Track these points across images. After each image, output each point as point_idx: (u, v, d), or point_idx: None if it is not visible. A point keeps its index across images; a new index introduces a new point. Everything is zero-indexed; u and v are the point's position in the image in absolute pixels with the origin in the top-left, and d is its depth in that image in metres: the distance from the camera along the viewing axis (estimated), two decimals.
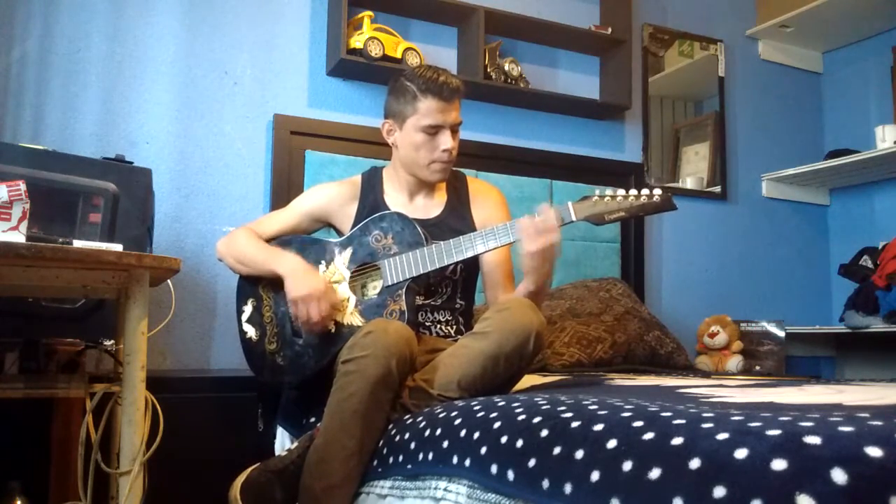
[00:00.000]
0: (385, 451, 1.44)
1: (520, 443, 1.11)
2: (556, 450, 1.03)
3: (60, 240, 1.27)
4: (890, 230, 3.24)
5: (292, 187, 2.45)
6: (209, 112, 2.48)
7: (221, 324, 2.40)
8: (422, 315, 1.83)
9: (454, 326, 1.87)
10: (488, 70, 2.76)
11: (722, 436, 0.85)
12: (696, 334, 2.95)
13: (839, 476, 0.73)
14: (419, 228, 1.75)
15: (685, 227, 3.26)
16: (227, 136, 2.49)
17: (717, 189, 3.34)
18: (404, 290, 1.71)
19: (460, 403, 1.38)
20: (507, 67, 2.81)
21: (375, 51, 2.54)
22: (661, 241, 3.23)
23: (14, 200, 1.21)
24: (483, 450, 1.17)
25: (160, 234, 2.29)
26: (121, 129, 2.35)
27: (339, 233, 1.92)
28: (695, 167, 3.33)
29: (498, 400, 1.30)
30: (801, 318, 3.38)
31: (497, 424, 1.19)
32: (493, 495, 1.12)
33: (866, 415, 0.94)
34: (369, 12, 2.60)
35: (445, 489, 1.24)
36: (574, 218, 1.67)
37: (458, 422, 1.29)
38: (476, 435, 1.21)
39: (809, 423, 0.84)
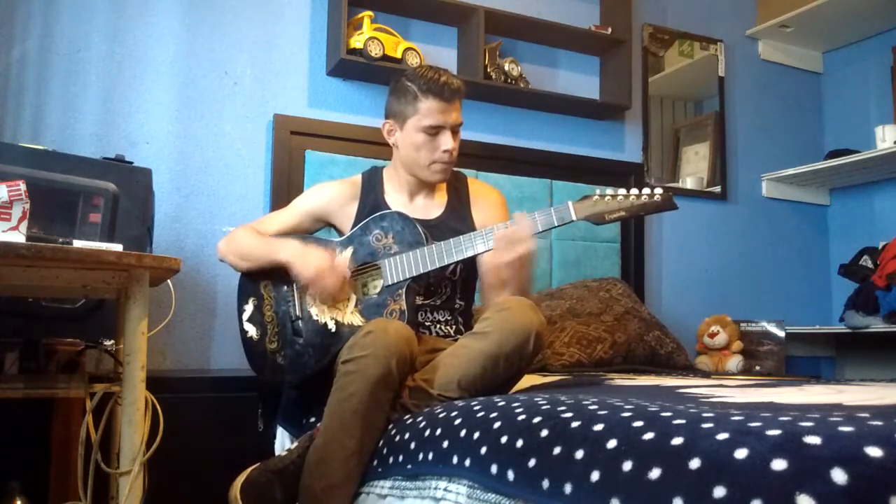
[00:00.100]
0: (385, 451, 1.44)
1: (520, 443, 1.11)
2: (556, 450, 1.03)
3: (60, 240, 1.27)
4: (890, 230, 3.24)
5: (292, 187, 2.45)
6: (209, 112, 2.48)
7: (221, 324, 2.40)
8: (421, 315, 1.83)
9: (454, 326, 1.87)
10: (488, 70, 2.76)
11: (722, 436, 0.85)
12: (696, 334, 2.95)
13: (839, 476, 0.73)
14: (419, 228, 1.75)
15: (685, 227, 3.26)
16: (227, 136, 2.49)
17: (717, 189, 3.34)
18: (404, 289, 1.71)
19: (460, 403, 1.38)
20: (507, 67, 2.81)
21: (375, 51, 2.54)
22: (661, 241, 3.23)
23: (14, 200, 1.21)
24: (483, 450, 1.17)
25: (160, 234, 2.29)
26: (121, 129, 2.35)
27: (340, 232, 1.92)
28: (695, 167, 3.34)
29: (498, 400, 1.30)
30: (801, 318, 3.38)
31: (497, 424, 1.19)
32: (493, 495, 1.12)
33: (866, 415, 0.94)
34: (369, 12, 2.60)
35: (445, 489, 1.24)
36: (574, 217, 1.67)
37: (458, 422, 1.29)
38: (476, 435, 1.21)
39: (809, 423, 0.84)
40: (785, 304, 3.42)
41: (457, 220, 1.89)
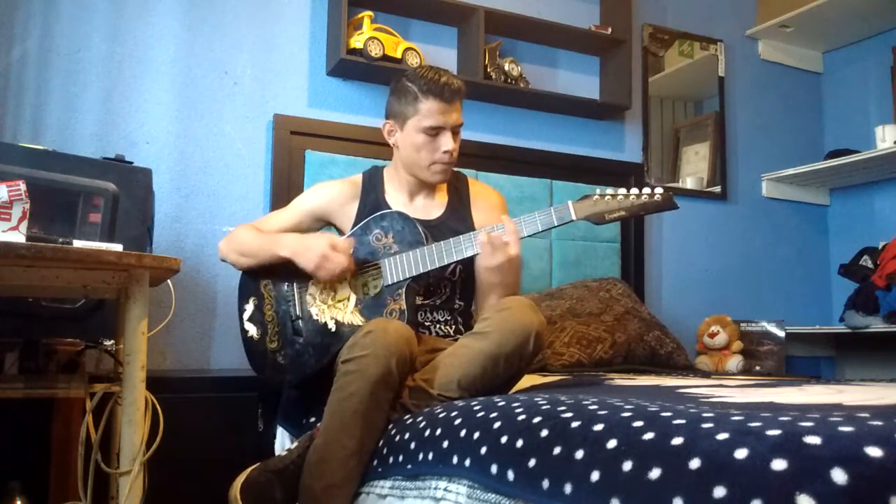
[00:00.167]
0: (385, 450, 1.44)
1: (520, 443, 1.11)
2: (556, 450, 1.03)
3: (60, 240, 1.27)
4: (890, 230, 3.24)
5: (292, 187, 2.45)
6: (209, 112, 2.48)
7: (221, 324, 2.40)
8: (421, 315, 1.83)
9: (453, 326, 1.87)
10: (488, 70, 2.76)
11: (722, 436, 0.85)
12: (696, 334, 2.95)
13: (839, 476, 0.73)
14: (420, 227, 1.75)
15: (685, 227, 3.26)
16: (227, 136, 2.49)
17: (717, 189, 3.34)
18: (404, 289, 1.71)
19: (460, 403, 1.38)
20: (507, 67, 2.81)
21: (375, 51, 2.54)
22: (661, 241, 3.23)
23: (14, 200, 1.21)
24: (483, 450, 1.17)
25: (160, 234, 2.29)
26: (121, 129, 2.35)
27: (340, 232, 1.92)
28: (695, 167, 3.33)
29: (498, 400, 1.30)
30: (801, 318, 3.38)
31: (497, 424, 1.19)
32: (493, 495, 1.12)
33: (866, 415, 0.94)
34: (369, 12, 2.60)
35: (445, 489, 1.24)
36: (574, 217, 1.67)
37: (458, 422, 1.29)
38: (476, 435, 1.21)
39: (809, 423, 0.84)
40: (785, 304, 3.42)
41: (457, 220, 1.89)
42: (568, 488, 0.97)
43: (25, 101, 2.24)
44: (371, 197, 1.91)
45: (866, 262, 3.17)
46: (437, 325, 1.85)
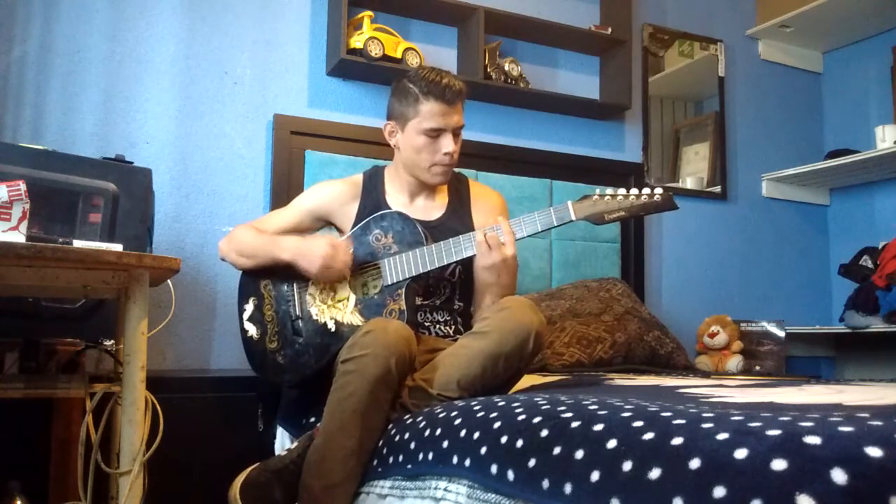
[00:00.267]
0: (385, 450, 1.44)
1: (520, 443, 1.11)
2: (556, 450, 1.03)
3: (60, 240, 1.27)
4: (890, 230, 3.24)
5: (292, 187, 2.45)
6: (209, 112, 2.48)
7: (221, 324, 2.40)
8: (421, 315, 1.83)
9: (453, 327, 1.87)
10: (488, 70, 2.76)
11: (722, 436, 0.85)
12: (696, 334, 2.95)
13: (839, 476, 0.73)
14: (419, 227, 1.75)
15: (685, 227, 3.26)
16: (227, 136, 2.49)
17: (717, 189, 3.34)
18: (404, 289, 1.71)
19: (460, 403, 1.38)
20: (507, 67, 2.81)
21: (375, 51, 2.54)
22: (661, 241, 3.23)
23: (14, 200, 1.21)
24: (483, 450, 1.17)
25: (160, 234, 2.29)
26: (121, 129, 2.35)
27: (340, 232, 1.92)
28: (695, 167, 3.33)
29: (498, 400, 1.30)
30: (801, 318, 3.38)
31: (497, 424, 1.19)
32: (493, 495, 1.12)
33: (866, 415, 0.94)
34: (369, 12, 2.60)
35: (445, 489, 1.24)
36: (573, 217, 1.67)
37: (458, 422, 1.29)
38: (476, 435, 1.21)
39: (809, 423, 0.84)
40: (785, 304, 3.42)
41: (457, 221, 1.89)
42: (568, 488, 0.97)
43: (25, 101, 2.24)
44: (371, 197, 1.91)
45: (866, 262, 3.17)
46: (437, 326, 1.85)
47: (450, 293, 1.87)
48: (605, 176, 3.02)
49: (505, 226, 1.66)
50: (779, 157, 3.49)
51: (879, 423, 0.84)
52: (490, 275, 1.67)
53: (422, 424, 1.38)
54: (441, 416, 1.35)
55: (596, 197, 1.68)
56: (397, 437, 1.42)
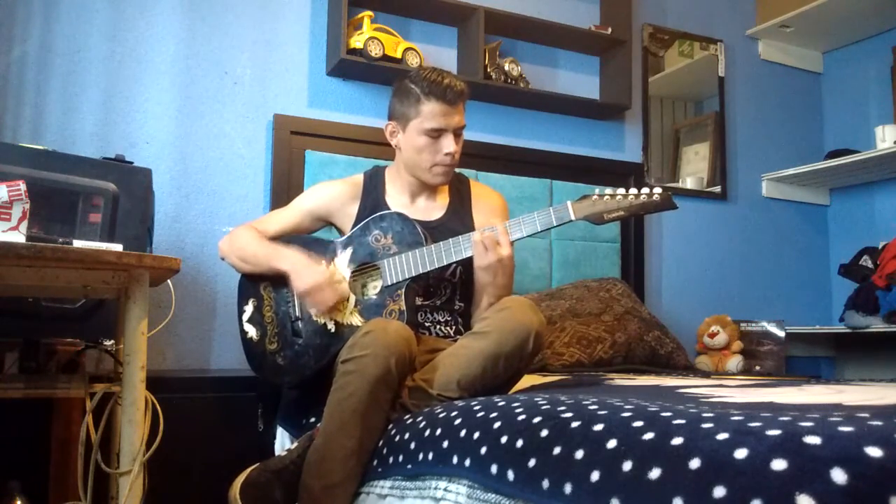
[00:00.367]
0: (385, 450, 1.44)
1: (520, 443, 1.11)
2: (556, 450, 1.03)
3: (60, 240, 1.27)
4: (890, 230, 3.24)
5: (292, 187, 2.45)
6: (209, 112, 2.48)
7: (221, 324, 2.40)
8: (421, 315, 1.83)
9: (453, 327, 1.87)
10: (488, 70, 2.76)
11: (722, 436, 0.85)
12: (696, 334, 2.95)
13: (839, 476, 0.73)
14: (419, 228, 1.75)
15: (685, 227, 3.26)
16: (227, 136, 2.49)
17: (717, 189, 3.34)
18: (404, 290, 1.71)
19: (460, 403, 1.38)
20: (507, 67, 2.81)
21: (375, 51, 2.54)
22: (661, 241, 3.23)
23: (14, 200, 1.21)
24: (483, 450, 1.17)
25: (160, 234, 2.29)
26: (121, 129, 2.35)
27: (340, 232, 1.92)
28: (695, 167, 3.33)
29: (498, 400, 1.30)
30: (801, 318, 3.38)
31: (497, 424, 1.19)
32: (493, 495, 1.12)
33: (866, 415, 0.94)
34: (369, 12, 2.60)
35: (445, 489, 1.24)
36: (573, 217, 1.67)
37: (458, 422, 1.29)
38: (476, 435, 1.21)
39: (809, 423, 0.84)
40: (785, 304, 3.42)
41: (458, 222, 1.89)
42: (568, 488, 0.97)
43: (25, 101, 2.24)
44: (372, 197, 1.91)
45: (866, 262, 3.17)
46: (438, 326, 1.85)
47: (450, 293, 1.87)
48: (605, 176, 3.02)
49: (500, 226, 1.66)
50: (779, 157, 3.49)
51: (879, 423, 0.84)
52: (486, 275, 1.67)
53: (422, 424, 1.38)
54: (441, 416, 1.35)
55: (595, 197, 1.68)
56: (397, 437, 1.42)
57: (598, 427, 1.01)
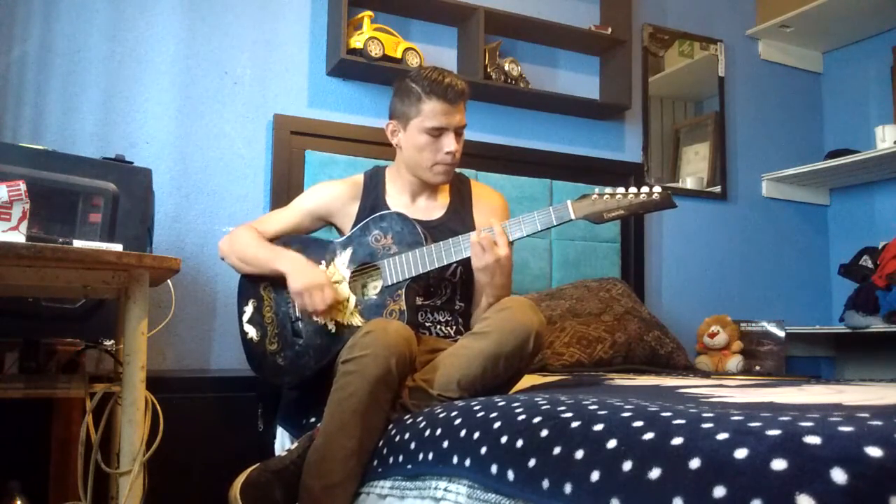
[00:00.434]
0: (385, 450, 1.44)
1: (520, 443, 1.11)
2: (556, 450, 1.03)
3: (60, 240, 1.27)
4: (890, 230, 3.24)
5: (292, 187, 2.45)
6: (209, 112, 2.48)
7: (221, 324, 2.40)
8: (421, 315, 1.83)
9: (454, 327, 1.87)
10: (488, 70, 2.76)
11: (722, 436, 0.85)
12: (696, 334, 2.95)
13: (839, 476, 0.73)
14: (419, 228, 1.75)
15: (685, 227, 3.26)
16: (227, 136, 2.49)
17: (717, 189, 3.34)
18: (404, 290, 1.71)
19: (460, 403, 1.38)
20: (507, 67, 2.81)
21: (375, 51, 2.54)
22: (661, 241, 3.23)
23: (14, 200, 1.21)
24: (483, 450, 1.17)
25: (160, 234, 2.29)
26: (121, 129, 2.35)
27: (340, 232, 1.92)
28: (695, 167, 3.34)
29: (498, 400, 1.30)
30: (801, 318, 3.38)
31: (497, 424, 1.19)
32: (494, 495, 1.12)
33: (866, 415, 0.94)
34: (369, 12, 2.60)
35: (445, 489, 1.24)
36: (573, 216, 1.67)
37: (458, 422, 1.29)
38: (476, 435, 1.21)
39: (809, 423, 0.84)
40: (785, 304, 3.42)
41: (458, 222, 1.89)
42: (568, 488, 0.97)
43: (25, 101, 2.24)
44: (372, 197, 1.91)
45: (866, 262, 3.17)
46: (438, 326, 1.85)
47: (451, 293, 1.87)
48: (605, 176, 3.02)
49: (497, 227, 1.66)
50: (779, 157, 3.49)
51: (879, 423, 0.84)
52: (484, 276, 1.67)
53: (422, 425, 1.38)
54: (441, 416, 1.35)
55: (595, 196, 1.68)
56: (397, 438, 1.42)
57: (598, 427, 1.01)
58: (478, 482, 1.16)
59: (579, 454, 0.99)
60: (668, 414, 0.98)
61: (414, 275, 1.71)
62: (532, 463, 1.06)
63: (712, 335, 2.88)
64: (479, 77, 2.68)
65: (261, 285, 1.85)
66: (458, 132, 1.82)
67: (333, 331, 1.73)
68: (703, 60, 3.39)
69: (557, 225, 1.68)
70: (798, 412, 0.97)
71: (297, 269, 1.74)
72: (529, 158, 2.89)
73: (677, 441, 0.89)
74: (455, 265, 1.80)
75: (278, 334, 1.80)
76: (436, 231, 1.82)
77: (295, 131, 2.53)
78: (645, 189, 1.67)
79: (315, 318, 1.74)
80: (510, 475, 1.09)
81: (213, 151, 2.47)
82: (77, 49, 2.32)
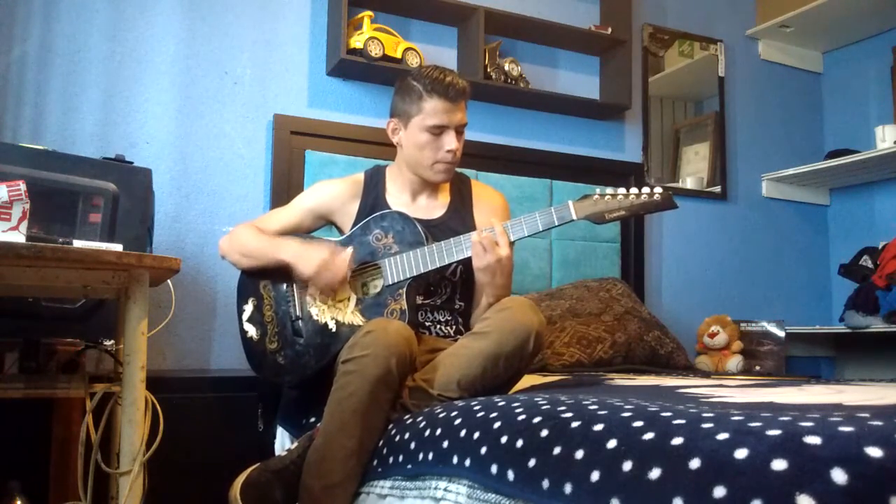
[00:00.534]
0: (385, 450, 1.44)
1: (520, 443, 1.11)
2: (556, 450, 1.03)
3: (60, 240, 1.27)
4: (890, 230, 3.24)
5: (292, 187, 2.45)
6: (209, 112, 2.48)
7: (221, 324, 2.40)
8: (421, 315, 1.83)
9: (454, 326, 1.87)
10: (488, 70, 2.76)
11: (722, 436, 0.85)
12: (696, 334, 2.95)
13: (839, 476, 0.73)
14: (420, 227, 1.75)
15: (685, 227, 3.26)
16: (227, 136, 2.49)
17: (717, 189, 3.34)
18: (405, 289, 1.71)
19: (460, 403, 1.38)
20: (507, 67, 2.81)
21: (375, 51, 2.54)
22: (661, 241, 3.23)
23: (14, 200, 1.21)
24: (483, 450, 1.17)
25: (160, 234, 2.29)
26: (121, 129, 2.35)
27: (340, 231, 1.92)
28: (695, 167, 3.34)
29: (498, 400, 1.30)
30: (801, 318, 3.38)
31: (497, 424, 1.19)
32: (494, 495, 1.12)
33: (866, 415, 0.94)
34: (369, 12, 2.60)
35: (445, 489, 1.24)
36: (574, 216, 1.67)
37: (458, 422, 1.29)
38: (476, 435, 1.21)
39: (809, 423, 0.84)
40: (785, 304, 3.42)
41: (458, 221, 1.89)
42: (568, 488, 0.97)
43: (25, 101, 2.24)
44: (372, 196, 1.91)
45: (866, 262, 3.17)
46: (438, 326, 1.85)
47: (450, 293, 1.87)
48: (605, 176, 3.02)
49: (498, 227, 1.66)
50: (779, 157, 3.49)
51: (879, 423, 0.84)
52: (485, 275, 1.67)
53: (422, 424, 1.38)
54: (441, 416, 1.35)
55: (596, 196, 1.68)
56: (397, 438, 1.42)
57: (598, 427, 1.01)
58: (478, 482, 1.16)
59: (579, 454, 0.99)
60: (668, 414, 0.98)
61: (415, 274, 1.71)
62: (532, 463, 1.06)
63: (712, 335, 2.88)
64: (479, 77, 2.68)
65: (261, 283, 1.85)
66: (459, 131, 1.83)
67: (334, 330, 1.73)
68: (703, 60, 3.39)
69: (559, 225, 1.68)
70: (798, 412, 0.97)
71: (299, 255, 1.74)
72: (529, 158, 2.89)
73: (677, 441, 0.89)
74: (455, 264, 1.80)
75: (278, 333, 1.80)
76: (436, 230, 1.82)
77: (295, 131, 2.53)
78: (646, 190, 1.67)
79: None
80: (510, 475, 1.09)
81: (213, 151, 2.47)
82: (77, 49, 2.32)
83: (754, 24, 3.50)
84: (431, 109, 1.78)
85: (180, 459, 1.77)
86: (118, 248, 1.30)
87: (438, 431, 1.31)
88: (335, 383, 1.50)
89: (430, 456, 1.29)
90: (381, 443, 1.47)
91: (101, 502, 1.58)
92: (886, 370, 3.22)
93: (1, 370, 1.67)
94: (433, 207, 1.92)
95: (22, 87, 2.24)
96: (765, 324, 3.05)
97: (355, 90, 2.70)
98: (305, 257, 1.73)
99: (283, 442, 1.95)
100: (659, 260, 3.21)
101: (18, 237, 1.21)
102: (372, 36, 2.55)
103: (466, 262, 1.76)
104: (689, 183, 3.28)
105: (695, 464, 0.84)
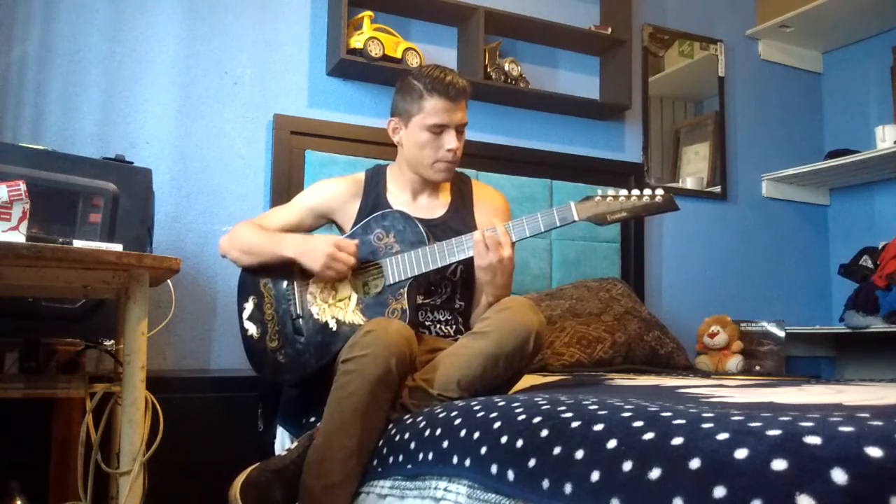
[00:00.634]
0: (385, 450, 1.44)
1: (520, 443, 1.11)
2: (557, 450, 1.03)
3: (60, 240, 1.27)
4: (890, 230, 3.24)
5: (292, 187, 2.45)
6: (209, 112, 2.48)
7: (221, 324, 2.40)
8: (421, 314, 1.83)
9: (454, 326, 1.87)
10: (488, 70, 2.76)
11: (722, 436, 0.85)
12: (696, 334, 2.95)
13: (839, 476, 0.73)
14: (421, 227, 1.75)
15: (685, 227, 3.26)
16: (227, 136, 2.49)
17: (717, 189, 3.34)
18: (406, 288, 1.71)
19: (460, 403, 1.39)
20: (507, 67, 2.81)
21: (375, 51, 2.54)
22: (661, 241, 3.23)
23: (14, 200, 1.21)
24: (483, 450, 1.17)
25: (160, 234, 2.29)
26: (121, 129, 2.35)
27: (341, 230, 1.92)
28: (695, 167, 3.34)
29: (498, 400, 1.30)
30: (801, 318, 3.38)
31: (497, 424, 1.19)
32: (494, 495, 1.12)
33: (866, 415, 0.94)
34: (369, 12, 2.60)
35: (445, 489, 1.24)
36: (576, 218, 1.67)
37: (458, 422, 1.29)
38: (476, 435, 1.21)
39: (809, 423, 0.84)
40: (785, 304, 3.42)
41: (459, 220, 1.89)
42: (568, 488, 0.97)
43: (25, 101, 2.24)
44: (373, 195, 1.91)
45: (866, 262, 3.17)
46: (438, 325, 1.85)
47: (451, 292, 1.87)
48: (605, 176, 3.02)
49: (500, 227, 1.66)
50: (779, 157, 3.49)
51: (879, 423, 0.84)
52: (486, 275, 1.67)
53: (422, 424, 1.38)
54: (441, 416, 1.35)
55: (598, 198, 1.68)
56: (397, 437, 1.42)
57: (598, 427, 1.01)
58: (478, 482, 1.16)
59: (579, 454, 0.99)
60: (668, 414, 0.98)
61: (416, 274, 1.71)
62: (532, 463, 1.06)
63: (712, 335, 2.88)
64: (479, 77, 2.68)
65: (261, 281, 1.85)
66: (460, 130, 1.83)
67: (334, 329, 1.73)
68: (703, 60, 3.39)
69: (561, 226, 1.68)
70: (798, 412, 0.97)
71: (304, 249, 1.74)
72: (529, 158, 2.89)
73: (677, 441, 0.89)
74: (456, 264, 1.80)
75: (279, 331, 1.80)
76: (437, 229, 1.82)
77: (295, 131, 2.53)
78: (648, 191, 1.67)
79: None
80: (510, 475, 1.09)
81: (213, 151, 2.47)
82: (77, 49, 2.32)
83: (754, 24, 3.50)
84: (432, 108, 1.78)
85: (180, 459, 1.77)
86: (118, 248, 1.30)
87: (438, 431, 1.31)
88: (335, 383, 1.50)
89: (430, 456, 1.29)
90: (381, 442, 1.47)
91: (101, 502, 1.58)
92: (886, 370, 3.22)
93: (1, 370, 1.67)
94: (434, 207, 1.92)
95: (22, 87, 2.24)
96: (765, 324, 3.05)
97: (355, 90, 2.70)
98: (310, 251, 1.73)
99: (283, 442, 1.95)
100: (659, 260, 3.21)
101: (18, 237, 1.21)
102: (372, 36, 2.55)
103: (467, 262, 1.76)
104: (689, 183, 3.28)
105: (695, 464, 0.84)
